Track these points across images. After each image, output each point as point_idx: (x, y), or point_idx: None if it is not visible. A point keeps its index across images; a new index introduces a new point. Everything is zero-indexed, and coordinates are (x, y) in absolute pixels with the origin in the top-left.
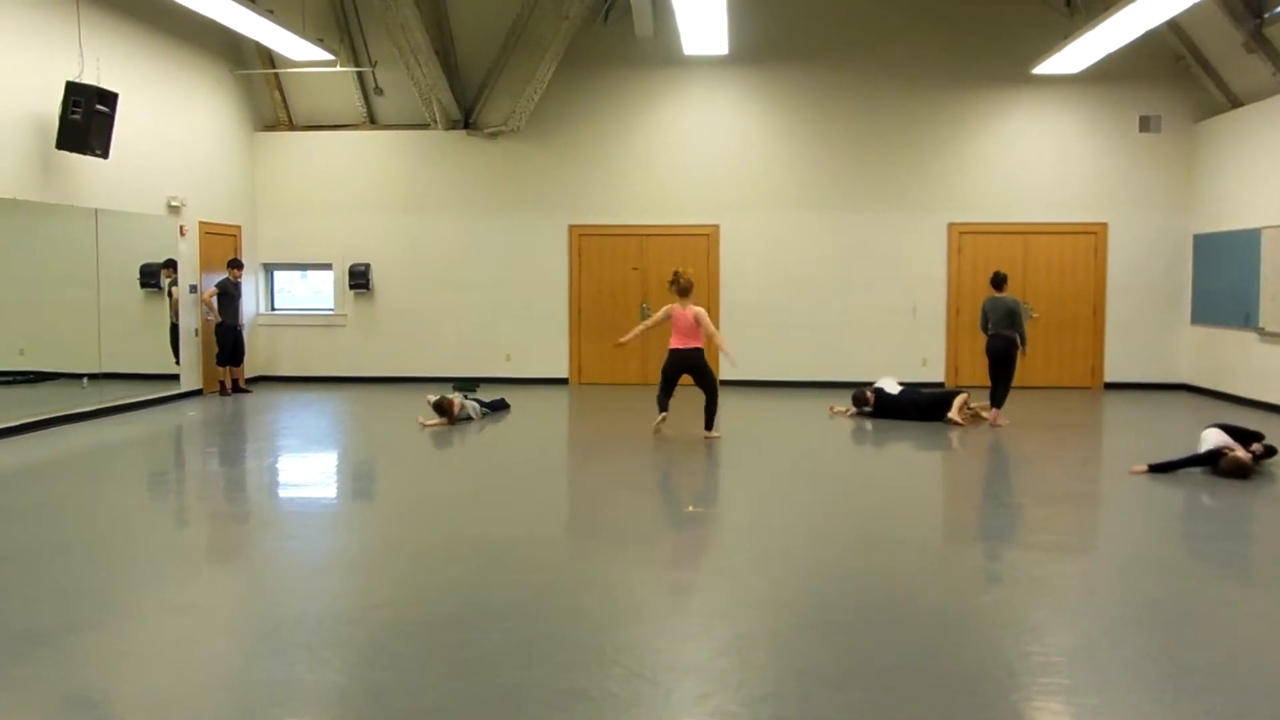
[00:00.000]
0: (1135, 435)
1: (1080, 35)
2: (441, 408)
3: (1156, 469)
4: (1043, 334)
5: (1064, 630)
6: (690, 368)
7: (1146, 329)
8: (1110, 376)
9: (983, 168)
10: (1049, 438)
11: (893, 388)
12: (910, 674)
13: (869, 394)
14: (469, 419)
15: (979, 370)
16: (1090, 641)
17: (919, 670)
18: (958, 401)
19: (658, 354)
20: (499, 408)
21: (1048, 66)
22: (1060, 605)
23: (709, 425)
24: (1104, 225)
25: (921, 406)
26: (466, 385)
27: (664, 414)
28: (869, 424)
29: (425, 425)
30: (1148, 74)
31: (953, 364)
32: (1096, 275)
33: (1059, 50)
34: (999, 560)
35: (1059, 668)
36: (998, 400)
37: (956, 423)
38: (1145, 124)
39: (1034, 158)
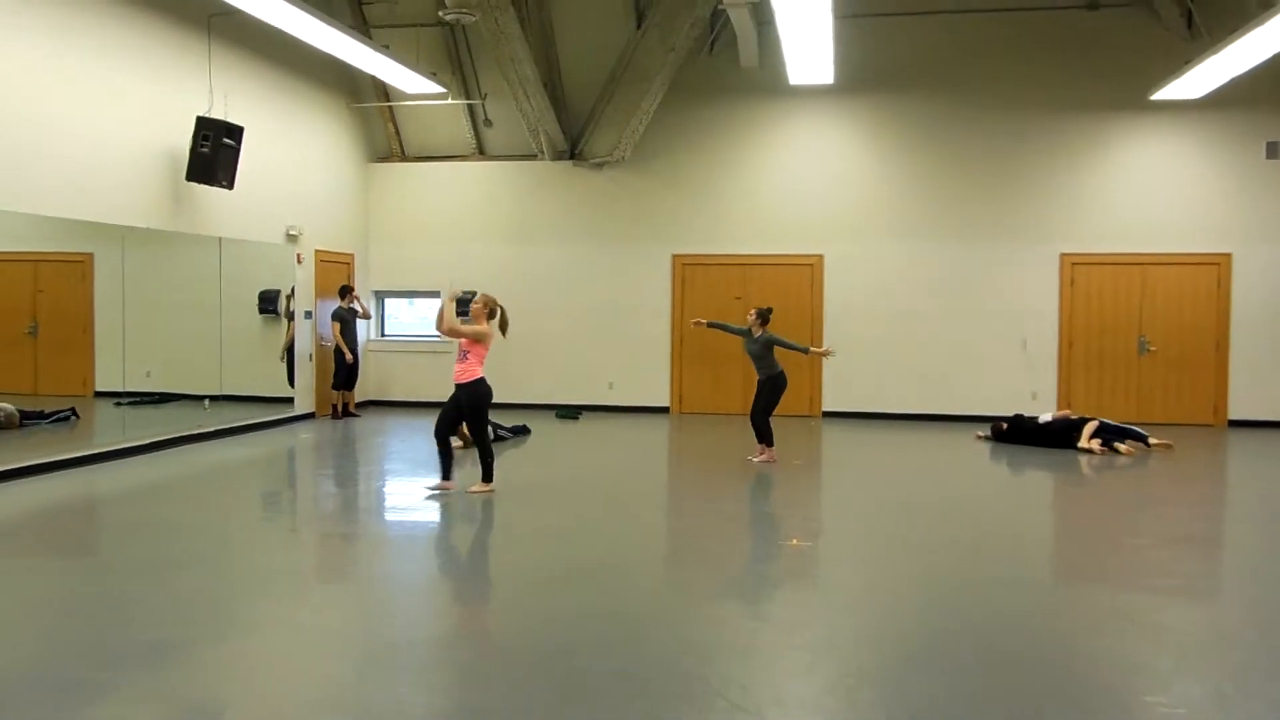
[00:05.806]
0: (1259, 475)
1: (1203, 60)
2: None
3: None
4: (1160, 369)
5: (1190, 679)
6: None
7: (1276, 364)
8: (1235, 414)
9: (1096, 196)
10: (1169, 475)
11: (1043, 417)
12: (1026, 719)
13: (1003, 425)
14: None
15: (1092, 404)
16: (1219, 693)
17: (1034, 715)
18: (1088, 429)
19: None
20: (519, 432)
21: (1168, 92)
22: (1185, 653)
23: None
24: (1227, 256)
25: (1052, 433)
26: (569, 413)
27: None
28: (987, 455)
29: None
30: (1276, 98)
31: (1064, 398)
32: (1220, 308)
33: (1180, 75)
34: (1118, 603)
35: None
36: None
37: (1090, 450)
38: (1273, 150)
39: (1152, 186)
